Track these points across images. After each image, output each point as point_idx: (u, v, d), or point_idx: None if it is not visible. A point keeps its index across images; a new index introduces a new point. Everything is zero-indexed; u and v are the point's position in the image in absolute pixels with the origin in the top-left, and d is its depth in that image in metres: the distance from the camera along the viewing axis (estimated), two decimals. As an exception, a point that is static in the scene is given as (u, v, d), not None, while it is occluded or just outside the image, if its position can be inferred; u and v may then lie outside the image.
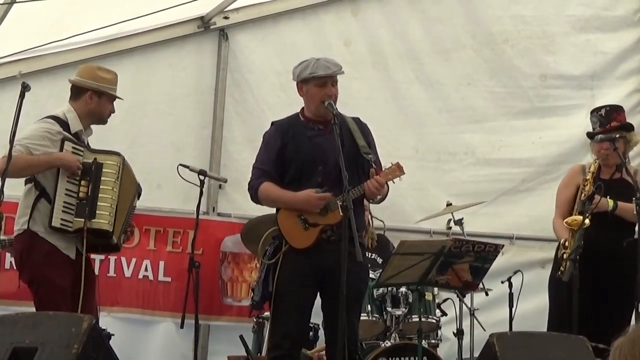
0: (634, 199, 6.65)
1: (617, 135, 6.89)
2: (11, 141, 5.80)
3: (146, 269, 8.35)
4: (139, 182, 6.76)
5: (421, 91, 9.54)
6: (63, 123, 6.43)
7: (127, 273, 8.02)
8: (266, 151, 6.13)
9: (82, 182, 6.29)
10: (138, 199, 6.82)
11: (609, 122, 6.99)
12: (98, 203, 6.29)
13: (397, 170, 6.00)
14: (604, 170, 7.05)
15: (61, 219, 6.20)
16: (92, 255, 6.73)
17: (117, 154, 6.52)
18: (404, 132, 9.45)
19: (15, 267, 6.69)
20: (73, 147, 6.33)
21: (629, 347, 2.45)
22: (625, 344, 2.47)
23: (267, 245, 6.11)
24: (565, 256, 6.64)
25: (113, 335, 6.67)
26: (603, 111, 7.04)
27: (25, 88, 6.00)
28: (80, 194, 6.26)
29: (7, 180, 5.69)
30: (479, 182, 9.48)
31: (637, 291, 6.47)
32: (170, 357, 8.44)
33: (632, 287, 6.72)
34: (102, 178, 6.34)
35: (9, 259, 7.71)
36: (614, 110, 7.06)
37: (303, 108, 6.20)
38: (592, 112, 7.17)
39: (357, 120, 6.25)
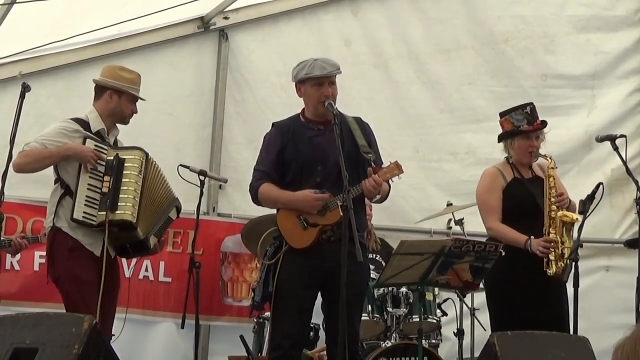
0: (633, 198, 6.64)
1: (619, 135, 6.89)
2: (11, 142, 5.82)
3: (146, 269, 8.34)
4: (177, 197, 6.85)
5: (422, 91, 9.55)
6: (83, 123, 6.49)
7: (127, 273, 7.97)
8: (267, 152, 6.14)
9: (105, 178, 6.34)
10: (177, 215, 6.86)
11: (534, 119, 6.97)
12: (120, 195, 6.33)
13: (396, 169, 5.98)
14: (522, 169, 7.00)
15: (83, 212, 6.24)
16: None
17: (140, 149, 6.59)
18: (404, 132, 9.45)
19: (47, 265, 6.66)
20: (95, 145, 6.39)
21: (631, 346, 2.45)
22: (627, 343, 2.46)
23: (268, 246, 6.11)
24: (553, 255, 6.62)
25: (114, 335, 6.67)
26: (528, 109, 6.97)
27: (25, 88, 6.03)
28: (103, 189, 6.31)
29: (9, 180, 5.72)
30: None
31: (637, 293, 6.48)
32: (170, 357, 8.43)
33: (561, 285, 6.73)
34: (124, 172, 6.39)
35: (9, 259, 7.73)
36: (534, 108, 7.03)
37: (304, 109, 6.21)
38: (512, 110, 7.04)
39: (358, 120, 6.24)
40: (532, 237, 6.68)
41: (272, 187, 6.02)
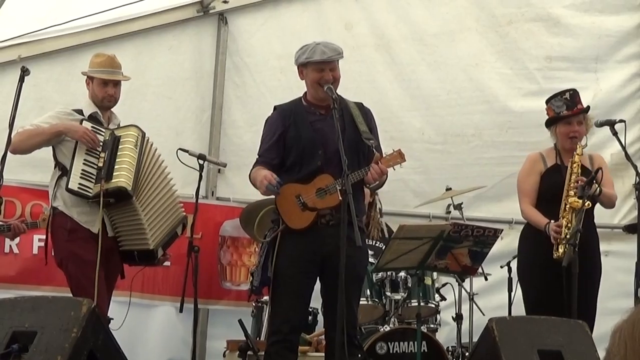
0: (633, 183, 6.65)
1: (618, 120, 6.90)
2: (10, 125, 5.82)
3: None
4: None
5: (427, 72, 9.52)
6: (77, 110, 6.57)
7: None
8: (267, 137, 6.13)
9: (102, 155, 6.38)
10: (183, 230, 6.93)
11: (575, 105, 7.01)
12: (115, 166, 6.36)
13: (398, 157, 5.98)
14: (565, 155, 7.03)
15: (79, 183, 6.28)
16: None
17: (136, 126, 6.65)
18: (410, 114, 9.44)
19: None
20: (92, 127, 6.45)
21: (629, 330, 2.44)
22: (625, 327, 2.45)
23: (266, 230, 6.11)
24: (561, 239, 6.64)
25: (112, 319, 6.68)
26: (567, 95, 7.04)
27: (24, 72, 6.03)
28: (99, 164, 6.34)
29: (8, 163, 5.72)
30: (484, 165, 9.49)
31: (636, 278, 6.50)
32: (169, 340, 8.45)
33: (593, 269, 6.80)
34: (120, 146, 6.43)
35: (8, 243, 7.74)
36: (576, 94, 7.07)
37: (306, 92, 6.20)
38: (553, 97, 7.09)
39: (359, 105, 6.23)
40: (552, 221, 6.72)
41: (257, 168, 6.02)
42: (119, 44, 8.16)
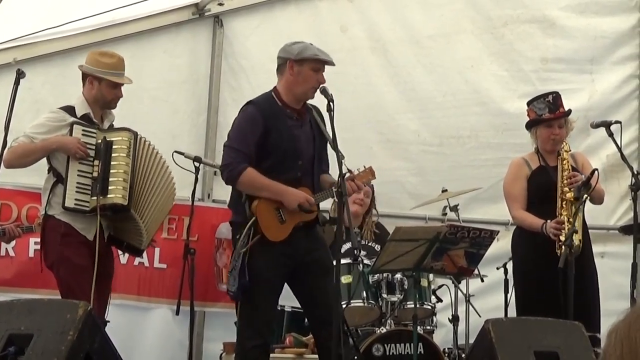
0: (628, 185, 6.67)
1: (613, 121, 6.92)
2: (6, 128, 5.83)
3: (142, 256, 8.33)
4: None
5: (423, 75, 9.52)
6: (69, 109, 6.53)
7: (123, 259, 7.96)
8: (247, 132, 5.97)
9: (95, 162, 6.37)
10: None
11: (557, 108, 7.05)
12: (110, 179, 6.36)
13: (370, 174, 6.09)
14: (548, 157, 7.08)
15: (75, 199, 6.29)
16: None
17: (128, 129, 6.60)
18: (405, 116, 9.42)
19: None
20: (83, 130, 6.43)
21: (625, 330, 2.44)
22: (621, 327, 2.45)
23: (237, 234, 5.98)
24: (563, 236, 6.66)
25: (109, 322, 6.67)
26: (550, 97, 7.11)
27: (20, 75, 6.03)
28: (94, 174, 6.33)
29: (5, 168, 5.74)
30: (480, 166, 9.48)
31: (632, 280, 6.52)
32: (166, 343, 8.44)
33: (586, 268, 6.83)
34: (113, 154, 6.42)
35: (4, 246, 7.74)
36: (558, 97, 7.13)
37: (276, 88, 6.10)
38: (535, 99, 7.17)
39: (316, 108, 6.19)
40: (548, 221, 6.76)
41: (258, 173, 5.88)
42: (115, 46, 8.12)
